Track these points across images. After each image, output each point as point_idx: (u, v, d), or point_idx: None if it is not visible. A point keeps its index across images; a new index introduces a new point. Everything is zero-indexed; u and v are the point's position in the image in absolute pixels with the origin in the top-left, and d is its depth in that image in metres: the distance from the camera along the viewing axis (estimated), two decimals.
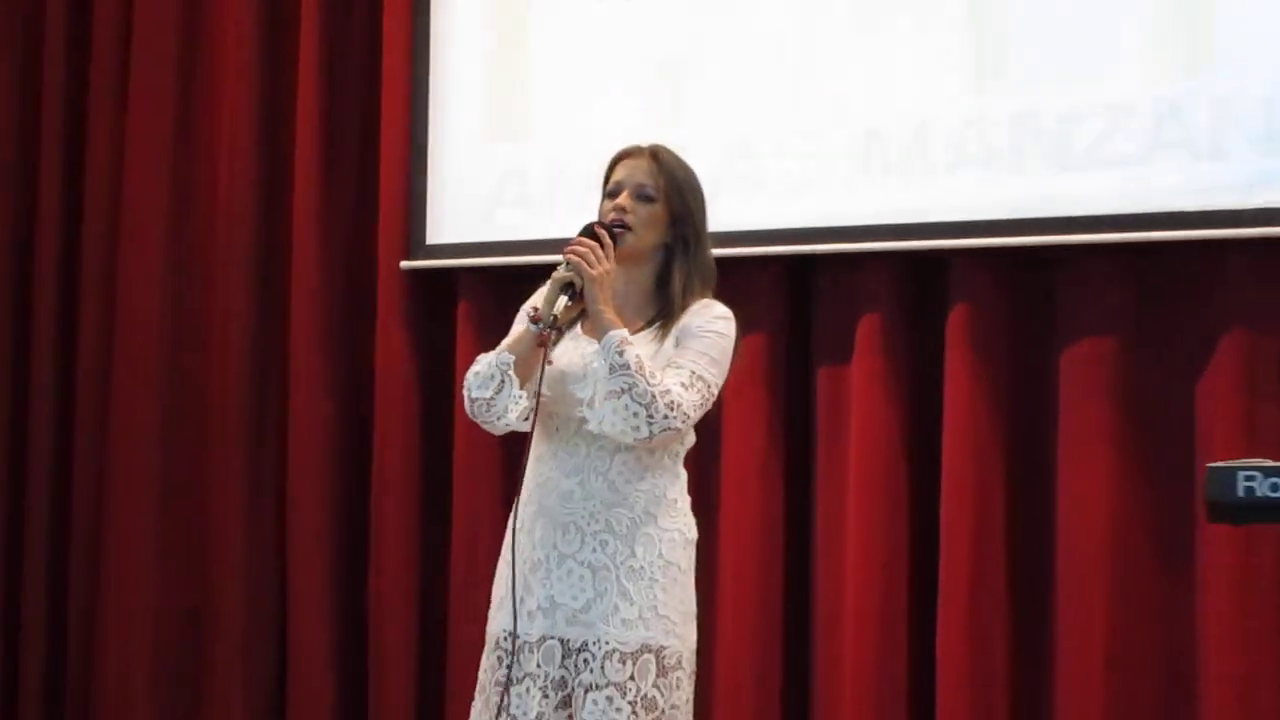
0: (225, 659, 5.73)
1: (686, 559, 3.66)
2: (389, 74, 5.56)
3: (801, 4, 4.93)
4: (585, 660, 3.58)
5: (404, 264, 5.49)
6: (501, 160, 5.36)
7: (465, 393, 3.67)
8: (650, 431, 3.51)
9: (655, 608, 3.59)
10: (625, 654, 3.56)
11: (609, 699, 3.54)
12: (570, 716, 3.59)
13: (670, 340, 3.63)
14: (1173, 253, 4.51)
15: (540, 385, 3.57)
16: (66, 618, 5.99)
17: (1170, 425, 4.51)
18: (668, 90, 5.09)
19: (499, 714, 3.60)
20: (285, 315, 5.71)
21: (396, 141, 5.52)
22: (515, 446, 3.83)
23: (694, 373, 3.58)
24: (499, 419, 3.62)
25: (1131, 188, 4.49)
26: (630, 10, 5.17)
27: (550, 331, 3.55)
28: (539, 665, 3.60)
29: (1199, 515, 4.32)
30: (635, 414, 3.50)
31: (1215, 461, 2.98)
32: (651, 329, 3.66)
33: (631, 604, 3.58)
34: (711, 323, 3.66)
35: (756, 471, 4.94)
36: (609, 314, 3.55)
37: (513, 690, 3.62)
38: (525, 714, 3.59)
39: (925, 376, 4.78)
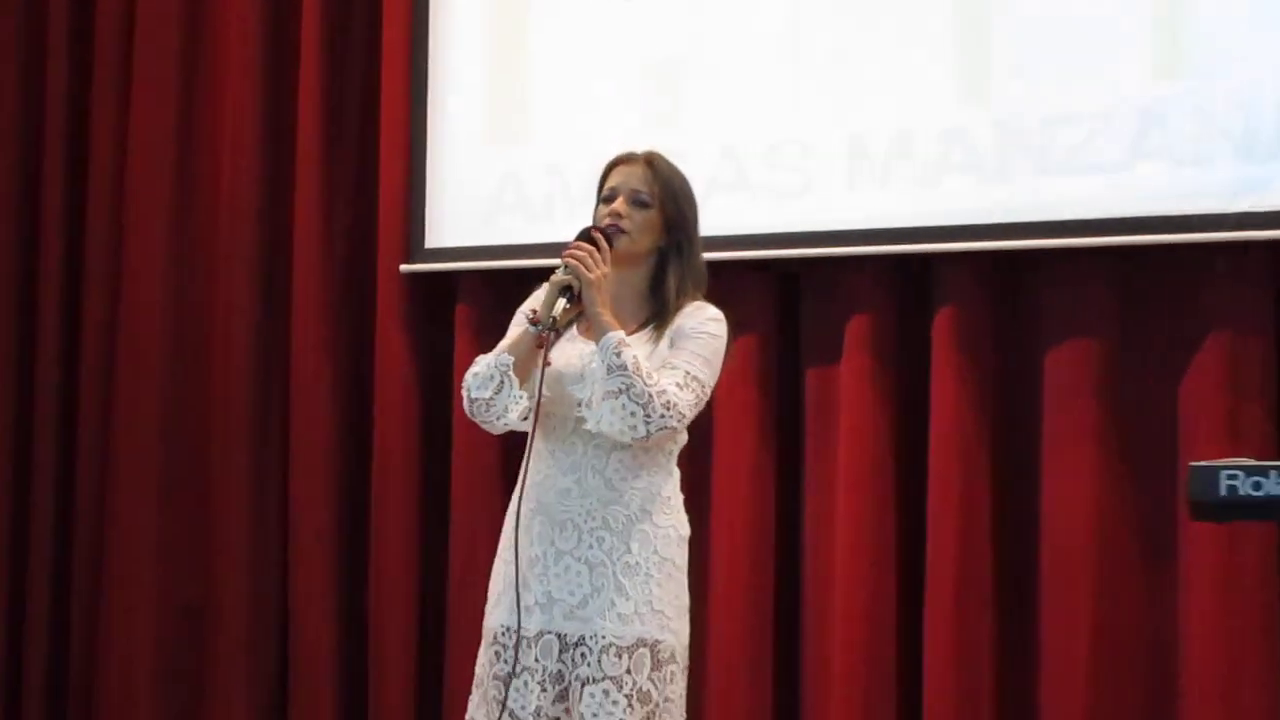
0: (227, 655, 5.71)
1: (680, 555, 3.68)
2: (389, 77, 5.55)
3: (793, 15, 4.93)
4: (582, 654, 3.59)
5: (404, 267, 5.48)
6: (500, 164, 5.36)
7: (464, 393, 3.69)
8: (647, 430, 3.53)
9: (650, 603, 3.61)
10: (621, 648, 3.57)
11: (605, 692, 3.56)
12: (568, 710, 3.60)
13: (665, 342, 3.65)
14: (1155, 256, 4.52)
15: (540, 386, 3.59)
16: (70, 613, 5.97)
17: (1153, 425, 4.52)
18: (664, 96, 5.09)
19: (502, 709, 3.61)
20: (288, 316, 5.70)
21: (396, 145, 5.51)
22: (513, 446, 3.85)
23: (689, 373, 3.61)
24: (498, 418, 3.64)
25: (1114, 193, 4.50)
26: (627, 16, 5.17)
27: (549, 333, 3.56)
28: (537, 659, 3.61)
29: (1182, 514, 4.33)
30: (633, 413, 3.52)
31: (1198, 461, 2.99)
32: (646, 330, 3.68)
33: (627, 599, 3.59)
34: (704, 324, 3.68)
35: (747, 470, 4.94)
36: (606, 316, 3.57)
37: (511, 684, 3.63)
38: (524, 708, 3.60)
39: (912, 378, 4.78)
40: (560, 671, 3.61)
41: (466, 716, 3.75)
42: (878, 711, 4.72)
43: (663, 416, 3.54)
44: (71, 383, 6.02)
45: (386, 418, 5.53)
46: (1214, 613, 4.37)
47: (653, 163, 3.77)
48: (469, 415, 3.70)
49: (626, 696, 3.56)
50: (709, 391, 3.66)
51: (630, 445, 3.59)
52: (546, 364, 3.58)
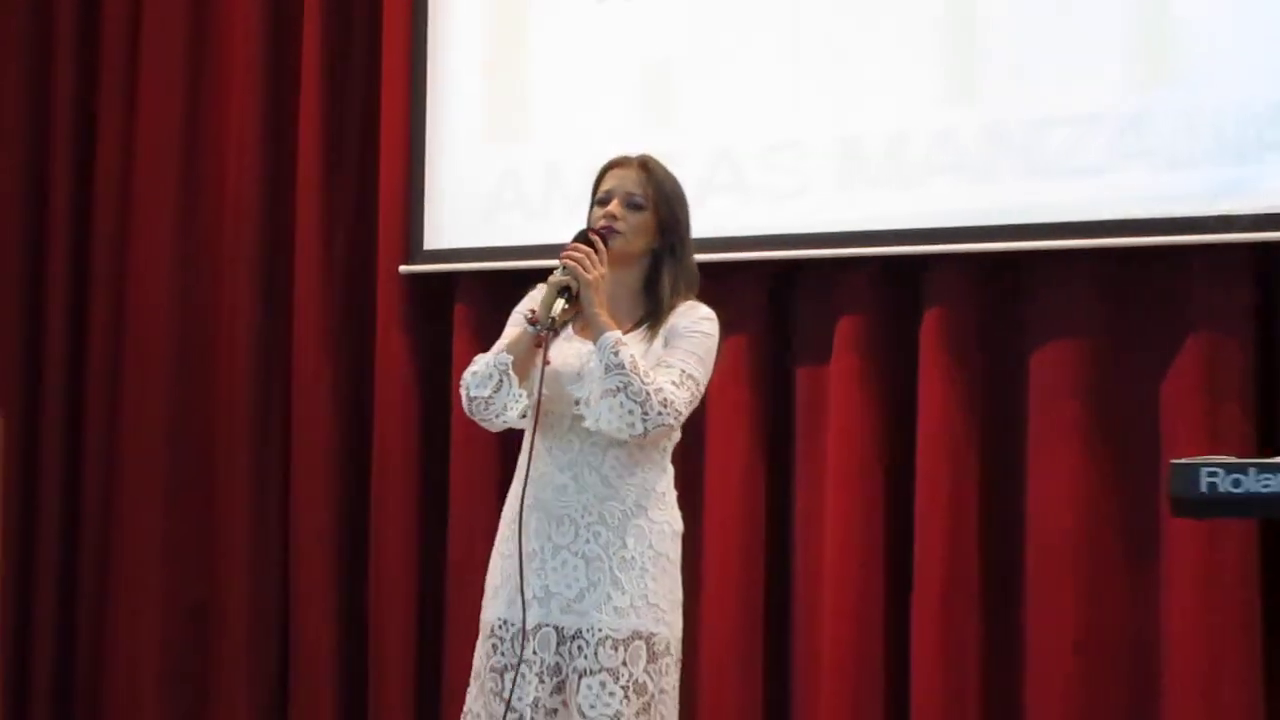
0: (230, 654, 5.70)
1: (674, 550, 3.70)
2: (388, 79, 5.55)
3: (788, 20, 4.94)
4: (579, 647, 3.61)
5: (403, 268, 5.48)
6: (498, 163, 5.37)
7: (463, 392, 3.70)
8: (645, 428, 3.56)
9: (646, 596, 3.63)
10: (618, 640, 3.59)
11: (602, 683, 3.58)
12: (565, 701, 3.62)
13: (659, 340, 3.68)
14: (1138, 258, 4.53)
15: (541, 385, 3.61)
16: (76, 614, 5.95)
17: (1136, 424, 4.53)
18: (661, 98, 5.11)
19: (507, 703, 3.62)
20: (289, 317, 5.69)
21: (396, 147, 5.51)
22: (511, 445, 3.86)
23: (684, 371, 3.63)
24: (497, 416, 3.66)
25: (1099, 196, 4.51)
26: (625, 19, 5.18)
27: (548, 333, 3.58)
28: (535, 652, 3.63)
29: (1164, 512, 4.33)
30: (630, 411, 3.54)
31: (1179, 458, 3.01)
32: (640, 330, 3.70)
33: (623, 593, 3.61)
34: (698, 323, 3.70)
35: (739, 467, 4.95)
36: (604, 316, 3.59)
37: (508, 676, 3.65)
38: (521, 699, 3.61)
39: (901, 377, 4.79)
40: (558, 664, 3.63)
41: (464, 708, 3.76)
42: (866, 706, 4.73)
43: (660, 414, 3.56)
44: (78, 386, 6.00)
45: (386, 417, 5.52)
46: (1195, 609, 4.38)
47: (647, 166, 3.79)
48: (468, 413, 3.72)
49: (623, 688, 3.58)
50: (703, 389, 3.69)
51: (626, 442, 3.61)
52: (546, 363, 3.60)
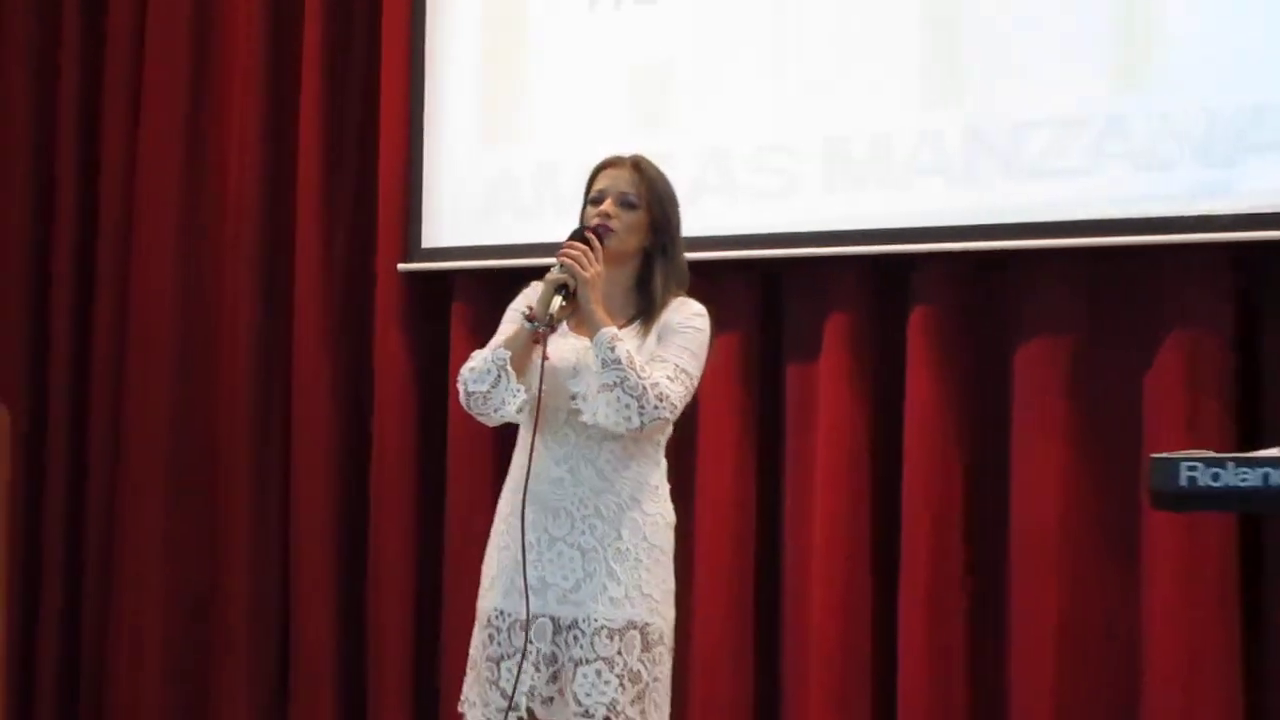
0: (231, 648, 5.69)
1: (668, 542, 3.73)
2: (387, 81, 5.54)
3: (776, 25, 4.95)
4: (575, 636, 3.63)
5: (401, 266, 5.48)
6: (495, 164, 5.38)
7: (461, 387, 3.72)
8: (641, 421, 3.58)
9: (640, 587, 3.65)
10: (613, 630, 3.62)
11: (598, 672, 3.60)
12: (561, 690, 3.64)
13: (652, 337, 3.70)
14: (1120, 257, 4.54)
15: (542, 380, 3.62)
16: (81, 609, 5.94)
17: (1118, 419, 4.53)
18: (653, 100, 5.12)
19: (510, 697, 3.63)
20: (289, 315, 5.69)
21: (394, 148, 5.51)
22: (507, 441, 3.87)
23: (678, 366, 3.65)
24: (495, 411, 3.68)
25: (1081, 196, 4.52)
26: (618, 24, 5.19)
27: (547, 329, 3.60)
28: (531, 641, 3.64)
29: (1146, 507, 4.34)
30: (627, 405, 3.56)
31: (1159, 453, 3.02)
32: (634, 326, 3.72)
33: (619, 584, 3.63)
34: (690, 319, 3.73)
35: (730, 462, 4.96)
36: (600, 313, 3.61)
37: (504, 665, 3.67)
38: (518, 688, 3.62)
39: (888, 374, 4.79)
40: (554, 653, 3.65)
41: (461, 697, 3.77)
42: (854, 695, 4.74)
43: (656, 408, 3.58)
44: (82, 383, 5.99)
45: (385, 413, 5.52)
46: (1175, 602, 4.39)
47: (639, 166, 3.81)
48: (465, 408, 3.74)
49: (618, 676, 3.60)
50: (696, 383, 3.71)
51: (622, 436, 3.63)
52: (545, 359, 3.62)
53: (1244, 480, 2.91)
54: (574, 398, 3.65)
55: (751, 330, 4.99)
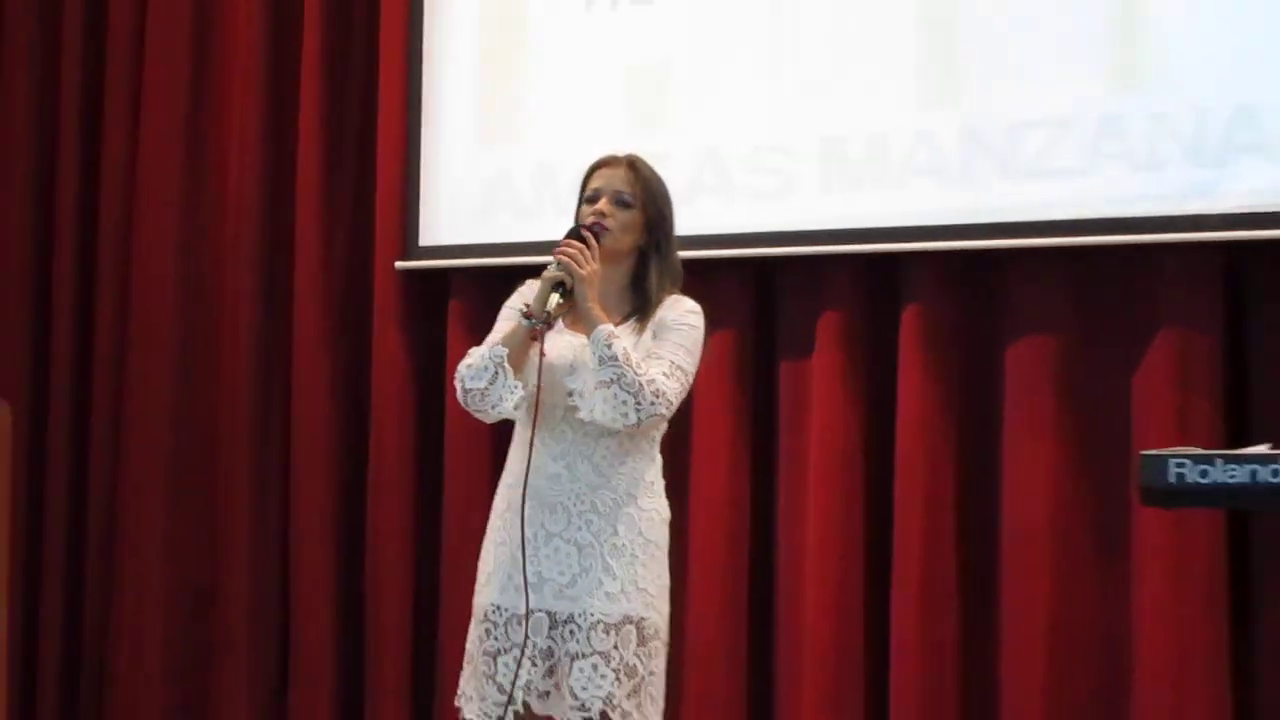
0: (231, 648, 5.68)
1: (663, 537, 3.73)
2: (386, 82, 5.54)
3: (771, 27, 4.96)
4: (571, 631, 3.64)
5: (399, 264, 5.48)
6: (491, 166, 5.38)
7: (458, 384, 3.72)
8: (638, 418, 3.59)
9: (636, 582, 3.65)
10: (609, 625, 3.62)
11: (594, 666, 3.61)
12: (557, 684, 3.65)
13: (648, 334, 3.71)
14: (1111, 257, 4.55)
15: (540, 378, 3.63)
16: (81, 609, 5.92)
17: (1108, 417, 4.54)
18: (650, 100, 5.12)
19: (510, 693, 3.64)
20: (289, 313, 5.68)
21: (393, 148, 5.50)
22: (504, 437, 3.88)
23: (673, 363, 3.66)
24: (493, 408, 3.68)
25: (1073, 196, 4.53)
26: (614, 25, 5.19)
27: (544, 326, 3.61)
28: (528, 636, 3.65)
29: (1135, 504, 4.35)
30: (624, 402, 3.57)
31: (1149, 450, 3.03)
32: (629, 323, 3.73)
33: (615, 579, 3.64)
34: (684, 316, 3.74)
35: (724, 459, 4.96)
36: (597, 310, 3.62)
37: (500, 660, 3.68)
38: (514, 682, 3.63)
39: (881, 371, 4.80)
40: (550, 648, 3.65)
41: (458, 691, 3.78)
42: (847, 691, 4.74)
43: (652, 404, 3.59)
44: (83, 379, 5.97)
45: (383, 409, 5.51)
46: (1164, 599, 4.40)
47: (634, 165, 3.82)
48: (463, 405, 3.74)
49: (614, 670, 3.61)
50: (691, 379, 3.72)
51: (618, 432, 3.64)
52: (542, 355, 3.63)
53: (1232, 477, 2.93)
54: (571, 394, 3.65)
55: (745, 328, 4.99)
